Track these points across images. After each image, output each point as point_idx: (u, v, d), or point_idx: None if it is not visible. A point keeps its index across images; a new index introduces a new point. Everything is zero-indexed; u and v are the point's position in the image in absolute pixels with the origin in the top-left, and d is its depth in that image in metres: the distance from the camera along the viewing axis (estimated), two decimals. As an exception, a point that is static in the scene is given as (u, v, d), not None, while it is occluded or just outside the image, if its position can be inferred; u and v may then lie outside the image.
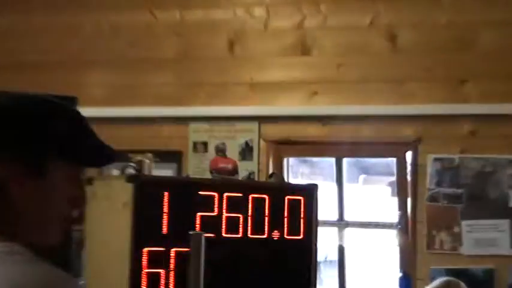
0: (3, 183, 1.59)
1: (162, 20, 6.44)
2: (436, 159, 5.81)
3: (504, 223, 5.61)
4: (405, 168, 5.95)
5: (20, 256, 1.58)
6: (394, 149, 6.06)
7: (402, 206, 5.93)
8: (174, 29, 6.39)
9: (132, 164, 5.43)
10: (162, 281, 3.41)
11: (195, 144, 6.30)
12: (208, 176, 5.99)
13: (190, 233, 1.81)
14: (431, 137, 5.81)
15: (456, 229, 5.69)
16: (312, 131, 6.11)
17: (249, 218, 3.90)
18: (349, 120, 6.00)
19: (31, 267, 1.58)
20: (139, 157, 5.89)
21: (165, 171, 6.06)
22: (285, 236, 3.98)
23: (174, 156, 6.32)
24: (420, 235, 5.77)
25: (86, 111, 5.29)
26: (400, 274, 5.80)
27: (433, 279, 5.19)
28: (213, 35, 6.30)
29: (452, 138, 5.74)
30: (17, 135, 1.63)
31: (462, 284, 4.95)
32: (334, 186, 6.17)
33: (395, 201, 6.10)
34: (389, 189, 6.71)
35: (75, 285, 1.68)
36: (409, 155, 5.91)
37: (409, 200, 5.88)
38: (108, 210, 4.26)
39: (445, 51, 5.81)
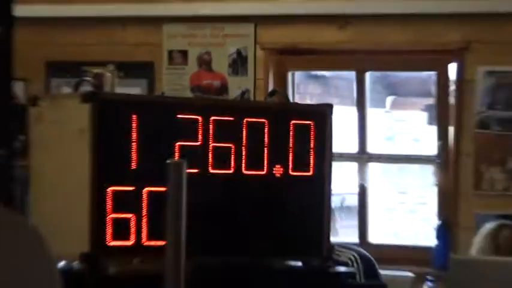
0: None
1: None
2: (488, 73, 5.94)
3: None
4: (447, 85, 6.05)
5: None
6: (434, 59, 6.20)
7: (443, 135, 6.09)
8: None
9: (88, 78, 5.40)
10: (132, 229, 3.37)
11: (170, 53, 6.44)
12: (188, 94, 6.01)
13: (168, 161, 1.74)
14: (482, 43, 5.90)
15: (511, 164, 5.81)
16: (326, 36, 6.25)
17: (243, 149, 3.77)
18: (373, 22, 6.13)
19: None
20: (97, 70, 5.89)
21: (133, 88, 6.18)
22: (290, 172, 3.85)
23: (143, 69, 6.51)
24: (465, 172, 5.91)
25: (23, 10, 5.21)
26: (439, 222, 5.93)
27: (480, 226, 5.32)
28: None
29: (510, 45, 5.80)
30: None
31: None
32: (353, 111, 6.33)
33: (433, 129, 6.29)
34: (425, 115, 6.67)
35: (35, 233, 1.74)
36: (453, 68, 6.00)
37: (451, 128, 6.01)
38: (59, 139, 4.06)
39: None
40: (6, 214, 1.78)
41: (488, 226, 5.17)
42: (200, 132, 3.71)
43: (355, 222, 6.38)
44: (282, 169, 3.89)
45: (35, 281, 1.74)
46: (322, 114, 3.99)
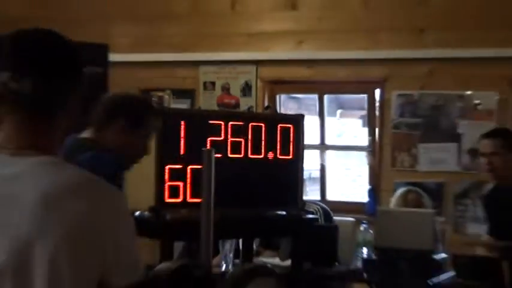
0: (53, 110, 1.56)
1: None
2: (399, 95, 5.87)
3: (452, 146, 5.71)
4: (374, 103, 5.99)
5: (60, 165, 1.54)
6: (365, 87, 6.10)
7: (371, 133, 6.02)
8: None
9: (154, 99, 5.58)
10: (181, 191, 3.52)
11: (204, 83, 6.33)
12: (216, 108, 6.18)
13: (203, 149, 1.92)
14: (395, 77, 5.85)
15: (414, 151, 5.81)
16: (299, 73, 6.17)
17: (249, 142, 3.94)
18: (328, 64, 6.02)
19: (74, 172, 1.56)
20: (160, 94, 6.11)
21: (181, 105, 6.13)
22: (278, 156, 4.03)
23: (188, 93, 6.37)
24: (385, 156, 5.89)
25: (115, 57, 5.31)
26: (369, 187, 5.92)
27: (395, 190, 5.30)
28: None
29: (413, 77, 5.79)
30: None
31: (419, 190, 5.10)
32: (316, 119, 6.20)
33: (365, 130, 6.15)
34: (361, 121, 6.73)
35: (118, 193, 1.63)
36: (377, 92, 5.96)
37: (376, 129, 5.96)
38: None
39: (407, 5, 5.82)
40: (107, 184, 1.61)
41: (400, 190, 5.15)
42: (223, 131, 3.81)
43: (317, 187, 6.28)
44: (273, 154, 4.01)
45: (121, 226, 1.55)
46: (297, 121, 4.12)
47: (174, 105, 5.95)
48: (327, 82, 6.16)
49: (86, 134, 3.10)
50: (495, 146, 4.24)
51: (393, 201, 5.04)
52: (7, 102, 1.50)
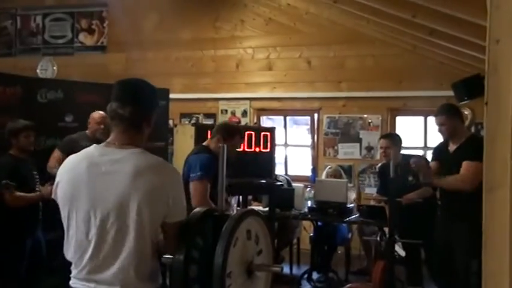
0: (141, 124, 1.49)
1: (206, 54, 6.50)
2: (327, 117, 6.02)
3: (357, 145, 5.86)
4: (314, 121, 6.11)
5: (145, 153, 1.47)
6: (309, 112, 6.18)
7: (312, 138, 6.13)
8: (212, 59, 6.50)
9: (194, 118, 5.95)
10: None
11: (221, 110, 6.43)
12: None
13: (220, 145, 1.66)
14: (325, 107, 6.02)
15: (336, 147, 5.96)
16: (273, 105, 6.30)
17: (245, 142, 4.13)
18: (290, 100, 6.17)
19: (152, 157, 1.48)
20: (199, 116, 6.31)
21: (209, 121, 6.23)
22: (261, 150, 4.30)
23: (212, 116, 6.38)
24: (320, 150, 6.02)
25: (173, 95, 5.62)
26: (311, 167, 6.07)
27: (325, 168, 5.36)
28: (229, 61, 6.40)
29: (335, 107, 5.95)
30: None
31: (338, 168, 5.17)
32: (283, 130, 6.23)
33: (309, 136, 6.20)
34: (306, 131, 6.29)
35: (175, 170, 1.55)
36: (315, 115, 6.08)
37: (315, 136, 6.07)
38: (183, 139, 4.66)
39: (331, 67, 5.90)
40: (170, 165, 1.56)
41: (327, 168, 5.19)
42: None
43: (283, 167, 6.18)
44: (259, 148, 4.33)
45: (177, 190, 1.47)
46: (272, 131, 4.45)
47: (205, 121, 6.22)
48: (289, 110, 6.25)
49: (205, 143, 2.98)
50: (388, 142, 4.09)
51: (323, 175, 5.08)
52: (115, 120, 1.47)
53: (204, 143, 2.97)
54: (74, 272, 1.47)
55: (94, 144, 1.51)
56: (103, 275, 1.41)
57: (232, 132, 2.85)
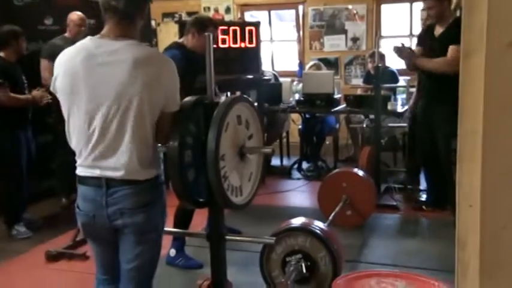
0: (135, 16, 1.48)
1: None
2: (312, 9, 5.94)
3: (342, 37, 5.79)
4: (299, 14, 5.99)
5: (141, 45, 1.48)
6: (293, 6, 6.04)
7: (298, 31, 6.04)
8: None
9: (176, 16, 5.57)
10: None
11: (204, 8, 6.18)
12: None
13: (205, 34, 1.63)
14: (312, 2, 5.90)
15: (321, 40, 5.94)
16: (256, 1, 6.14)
17: (231, 37, 4.08)
18: None
19: (149, 48, 1.52)
20: (182, 14, 5.88)
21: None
22: (247, 45, 4.18)
23: (194, 14, 4.87)
24: (306, 44, 5.98)
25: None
26: (298, 61, 6.02)
27: (310, 60, 5.35)
28: None
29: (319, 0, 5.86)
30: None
31: (319, 62, 5.10)
32: (268, 25, 6.13)
33: (295, 30, 6.08)
34: (292, 25, 6.08)
35: (171, 61, 1.51)
36: (300, 8, 5.97)
37: (301, 29, 5.99)
38: (167, 37, 4.21)
39: None
40: (166, 57, 1.55)
41: (311, 62, 4.98)
42: (219, 32, 3.77)
43: (270, 62, 6.08)
44: (244, 44, 4.08)
45: (173, 80, 1.48)
46: (257, 25, 4.26)
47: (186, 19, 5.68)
48: (273, 4, 6.11)
49: (180, 40, 2.90)
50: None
51: (307, 67, 5.06)
52: (109, 13, 1.47)
53: (179, 40, 2.93)
54: (79, 160, 1.52)
55: (89, 36, 1.50)
56: (107, 161, 1.46)
57: (205, 24, 2.76)
